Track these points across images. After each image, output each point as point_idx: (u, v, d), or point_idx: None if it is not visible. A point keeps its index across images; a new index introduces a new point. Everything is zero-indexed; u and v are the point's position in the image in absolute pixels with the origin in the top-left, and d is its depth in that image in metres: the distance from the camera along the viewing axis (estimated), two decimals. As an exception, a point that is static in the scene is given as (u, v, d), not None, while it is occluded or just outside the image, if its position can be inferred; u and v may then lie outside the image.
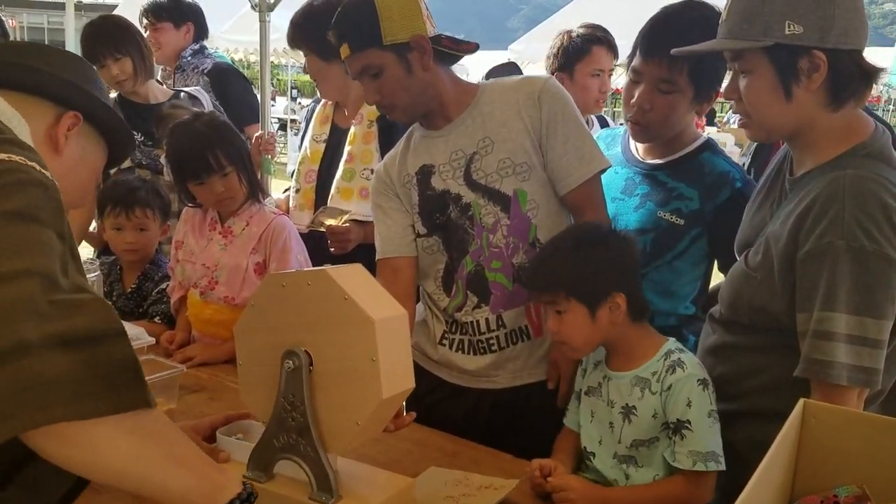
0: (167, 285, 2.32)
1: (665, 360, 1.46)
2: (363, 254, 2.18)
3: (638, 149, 1.91)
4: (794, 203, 1.38)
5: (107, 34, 2.64)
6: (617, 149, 1.96)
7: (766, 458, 0.96)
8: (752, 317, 1.46)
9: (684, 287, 1.83)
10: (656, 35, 1.73)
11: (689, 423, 1.39)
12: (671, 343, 1.50)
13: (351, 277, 1.21)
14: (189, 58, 3.38)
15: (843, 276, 1.28)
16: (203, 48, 3.45)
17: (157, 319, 2.32)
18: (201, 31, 3.45)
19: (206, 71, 3.34)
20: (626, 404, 1.47)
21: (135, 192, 2.38)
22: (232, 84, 3.34)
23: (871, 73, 1.37)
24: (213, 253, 2.11)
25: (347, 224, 2.21)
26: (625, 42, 2.55)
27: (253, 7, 3.29)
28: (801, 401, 1.15)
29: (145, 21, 3.32)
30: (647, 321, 1.54)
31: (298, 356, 1.18)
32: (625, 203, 1.85)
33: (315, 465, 1.20)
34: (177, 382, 1.66)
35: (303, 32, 2.29)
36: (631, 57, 1.82)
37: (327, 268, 1.23)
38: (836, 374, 1.29)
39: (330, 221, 2.21)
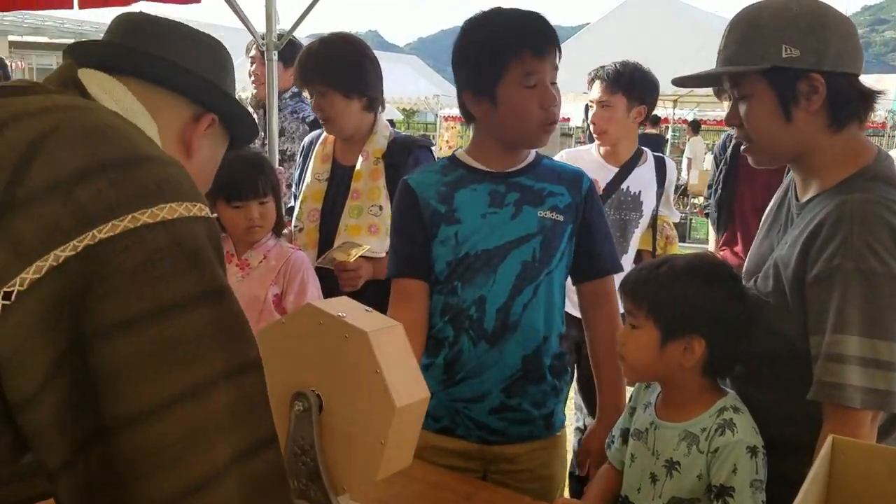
0: None
1: (717, 416, 1.37)
2: (373, 289, 2.16)
3: (487, 163, 1.74)
4: (801, 227, 1.38)
5: None
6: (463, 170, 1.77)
7: (797, 499, 0.92)
8: (769, 340, 1.42)
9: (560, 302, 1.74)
10: None
11: (733, 490, 1.32)
12: (729, 399, 1.40)
13: (338, 303, 1.20)
14: (287, 99, 3.37)
15: (854, 299, 1.27)
16: (299, 93, 3.39)
17: None
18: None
19: (307, 119, 3.32)
20: (671, 458, 1.39)
21: None
22: None
23: (868, 96, 1.39)
24: (231, 285, 2.09)
25: (357, 261, 2.19)
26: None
27: (260, 49, 3.30)
28: (830, 437, 1.10)
29: (254, 51, 3.35)
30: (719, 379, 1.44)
31: (308, 398, 1.15)
32: (498, 215, 1.68)
33: (326, 511, 1.16)
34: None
35: (324, 69, 2.25)
36: None
37: (311, 301, 1.22)
38: (848, 396, 1.27)
39: (341, 258, 2.18)
